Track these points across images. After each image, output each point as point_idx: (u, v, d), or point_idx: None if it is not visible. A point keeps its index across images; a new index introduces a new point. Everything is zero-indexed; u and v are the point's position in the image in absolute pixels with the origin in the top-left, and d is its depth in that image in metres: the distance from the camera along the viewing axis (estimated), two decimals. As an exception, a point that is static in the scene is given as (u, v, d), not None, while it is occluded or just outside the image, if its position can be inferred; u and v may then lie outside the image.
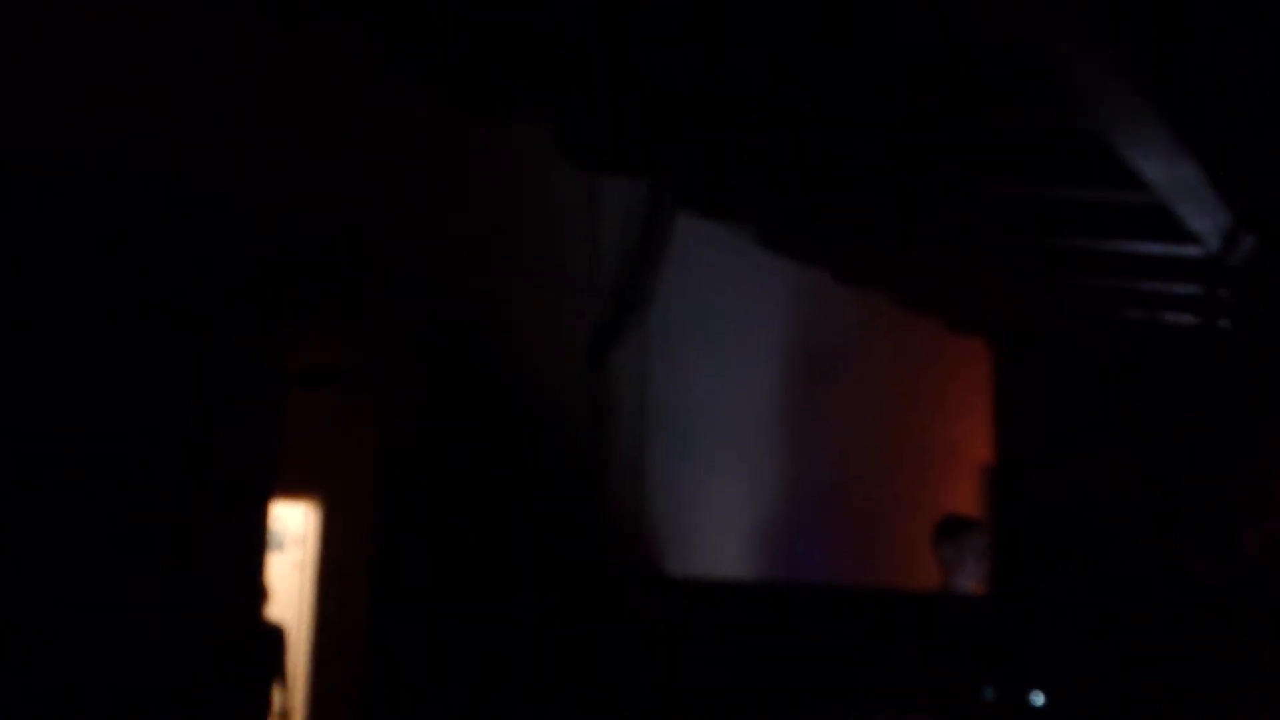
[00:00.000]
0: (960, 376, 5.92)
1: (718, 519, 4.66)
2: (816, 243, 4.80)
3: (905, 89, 3.04)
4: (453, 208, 3.57)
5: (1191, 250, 3.63)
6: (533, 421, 3.83)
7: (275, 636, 4.67)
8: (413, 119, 3.40)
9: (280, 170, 3.03)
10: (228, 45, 2.88)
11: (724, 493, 4.71)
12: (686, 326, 4.46)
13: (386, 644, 3.52)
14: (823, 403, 5.25)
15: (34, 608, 2.44)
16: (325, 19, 2.98)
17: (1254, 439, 3.18)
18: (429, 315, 3.53)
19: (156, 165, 2.73)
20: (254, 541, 2.96)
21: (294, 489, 4.55)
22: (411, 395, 3.61)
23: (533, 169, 3.85)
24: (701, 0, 2.72)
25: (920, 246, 4.38)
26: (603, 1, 2.80)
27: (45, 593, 2.46)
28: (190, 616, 2.73)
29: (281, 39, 2.96)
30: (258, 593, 3.00)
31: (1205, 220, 3.18)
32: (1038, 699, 3.14)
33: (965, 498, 5.71)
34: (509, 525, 3.69)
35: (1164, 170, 2.79)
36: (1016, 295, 4.76)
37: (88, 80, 2.59)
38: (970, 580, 4.44)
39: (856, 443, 5.44)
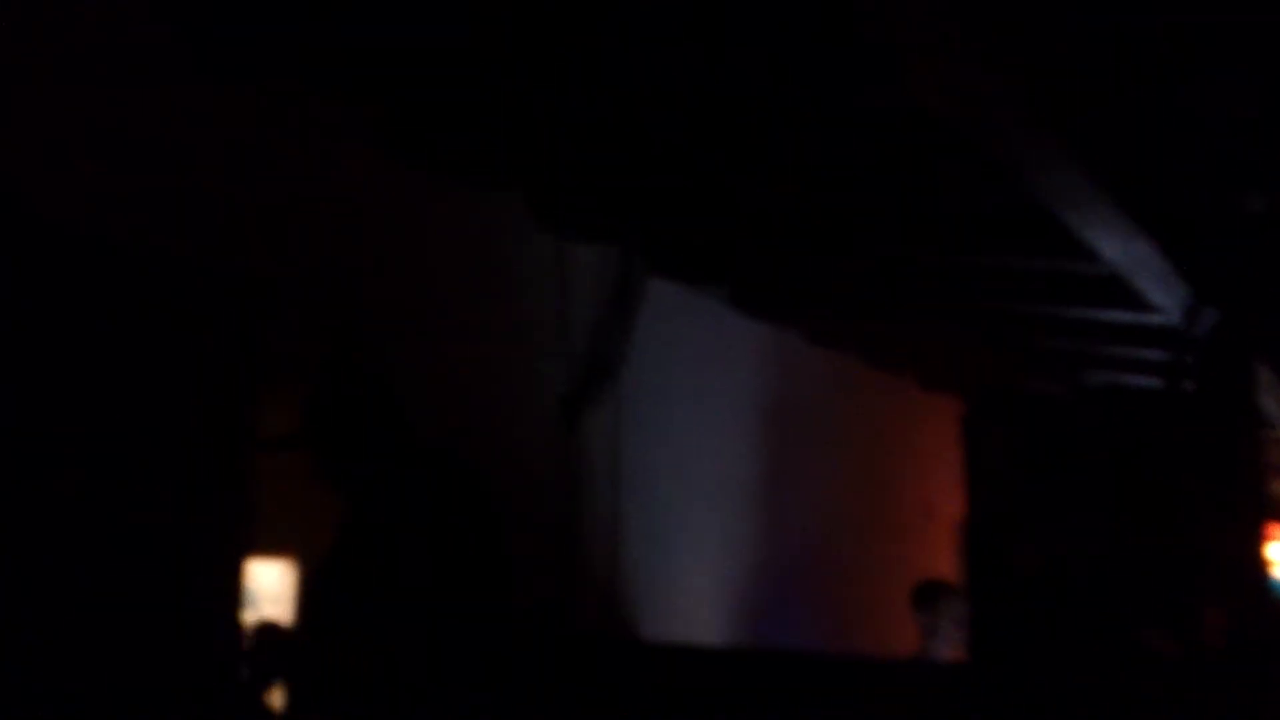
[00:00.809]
0: (936, 435, 5.93)
1: (691, 582, 4.67)
2: (787, 305, 4.85)
3: (872, 160, 3.10)
4: (423, 273, 3.61)
5: (1155, 318, 3.68)
6: (504, 484, 3.84)
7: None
8: (384, 185, 3.45)
9: (251, 236, 3.07)
10: (196, 111, 2.92)
11: (698, 555, 4.71)
12: (659, 389, 4.49)
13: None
14: (797, 463, 5.28)
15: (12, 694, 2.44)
16: (299, 85, 3.02)
17: (1221, 509, 3.21)
18: (398, 379, 3.56)
19: (125, 232, 2.77)
20: (230, 599, 2.99)
21: (269, 548, 4.55)
22: (379, 458, 3.63)
23: (503, 234, 3.90)
24: (671, 67, 2.76)
25: (889, 311, 4.44)
26: (572, 67, 2.84)
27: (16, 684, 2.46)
28: (168, 679, 2.74)
29: (253, 106, 3.01)
30: (235, 651, 3.01)
31: (1165, 294, 3.23)
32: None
33: (943, 559, 5.71)
34: (479, 588, 3.70)
35: (1120, 248, 2.85)
36: (985, 358, 4.82)
37: (68, 154, 2.63)
38: (948, 647, 4.44)
39: (832, 504, 5.46)
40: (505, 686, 3.62)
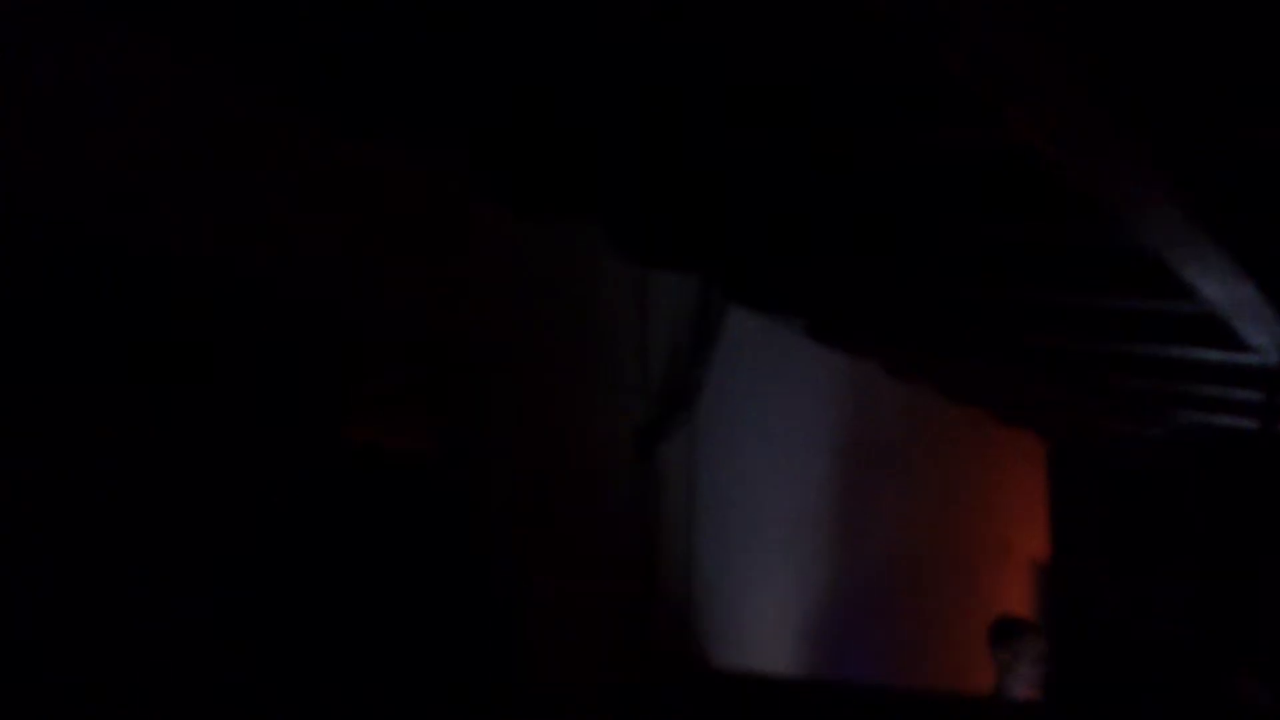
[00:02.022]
0: (1013, 471, 5.88)
1: (765, 613, 4.66)
2: (865, 337, 4.83)
3: (959, 194, 3.09)
4: (503, 302, 3.66)
5: (1251, 358, 3.63)
6: (579, 514, 3.87)
7: None
8: (466, 213, 3.50)
9: (345, 265, 3.14)
10: (298, 153, 2.99)
11: (771, 586, 4.70)
12: (735, 419, 4.49)
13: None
14: (873, 496, 5.25)
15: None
16: (385, 129, 3.08)
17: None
18: (477, 408, 3.60)
19: (239, 266, 2.84)
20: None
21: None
22: (458, 485, 3.67)
23: (582, 262, 3.93)
24: (752, 95, 2.77)
25: (971, 347, 4.40)
26: (654, 96, 2.86)
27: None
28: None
29: (347, 148, 3.08)
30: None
31: (1262, 334, 3.18)
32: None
33: (1017, 596, 5.65)
34: (554, 616, 3.72)
35: (1220, 289, 2.82)
36: (1069, 396, 4.76)
37: (183, 185, 2.71)
38: (1024, 686, 4.39)
39: (906, 538, 5.42)
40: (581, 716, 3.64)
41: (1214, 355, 3.79)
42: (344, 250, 3.11)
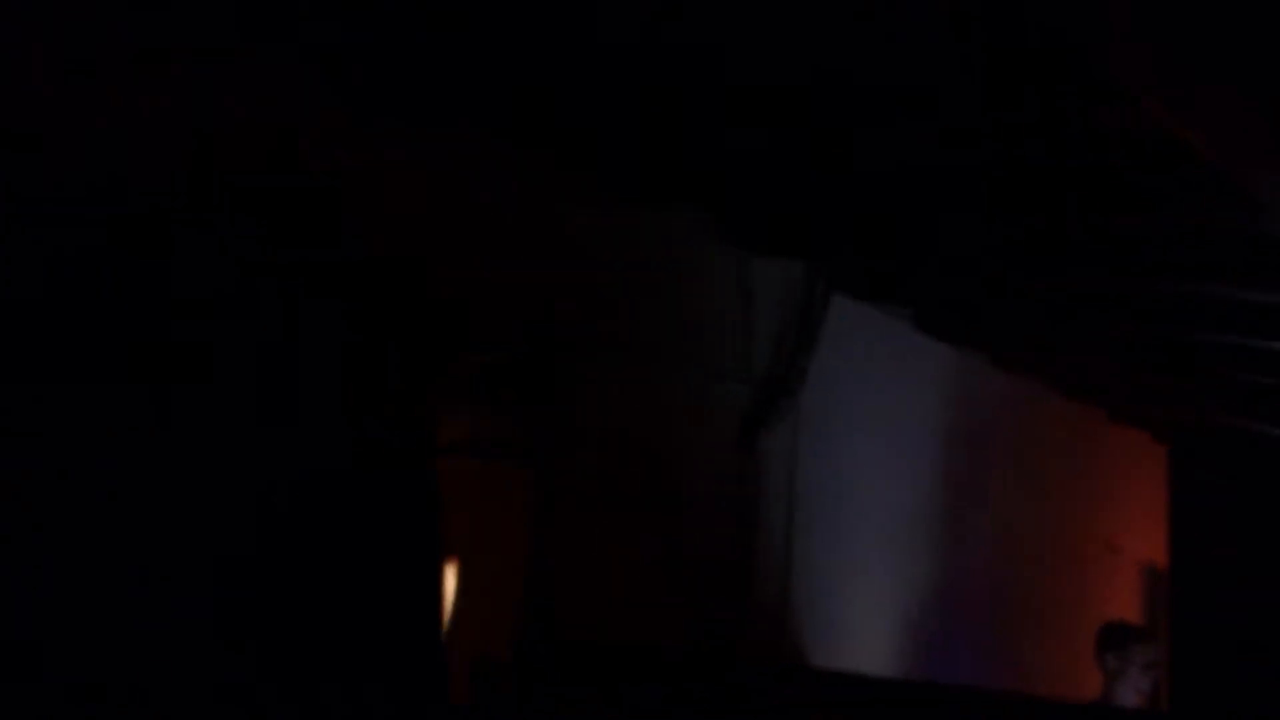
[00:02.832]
0: (1123, 470, 5.75)
1: (864, 609, 4.61)
2: (974, 328, 4.75)
3: (1074, 180, 3.02)
4: (610, 289, 3.66)
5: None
6: (680, 501, 3.87)
7: None
8: (570, 199, 3.51)
9: (440, 247, 3.16)
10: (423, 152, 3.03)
11: (872, 582, 4.65)
12: (839, 409, 4.45)
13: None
14: (979, 492, 5.16)
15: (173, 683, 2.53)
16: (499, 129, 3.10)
17: None
18: (572, 395, 3.61)
19: (346, 247, 2.88)
20: (430, 598, 3.05)
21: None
22: (560, 469, 3.69)
23: (687, 248, 3.92)
24: (858, 86, 2.75)
25: (1086, 340, 4.30)
26: (762, 88, 2.84)
27: (187, 669, 2.55)
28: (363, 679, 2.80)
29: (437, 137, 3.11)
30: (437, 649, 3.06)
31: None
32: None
33: (1125, 599, 5.52)
34: (652, 605, 3.73)
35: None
36: (1189, 391, 4.63)
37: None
38: (1134, 693, 4.29)
39: (1011, 536, 5.33)
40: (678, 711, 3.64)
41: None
42: (438, 236, 3.14)
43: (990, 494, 5.24)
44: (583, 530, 3.62)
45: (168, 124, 2.58)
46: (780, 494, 4.20)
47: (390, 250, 3.02)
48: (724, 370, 4.05)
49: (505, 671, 3.74)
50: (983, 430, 5.18)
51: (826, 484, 4.38)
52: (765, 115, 3.00)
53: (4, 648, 2.29)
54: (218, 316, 2.63)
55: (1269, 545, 3.66)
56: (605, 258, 3.65)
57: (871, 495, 4.64)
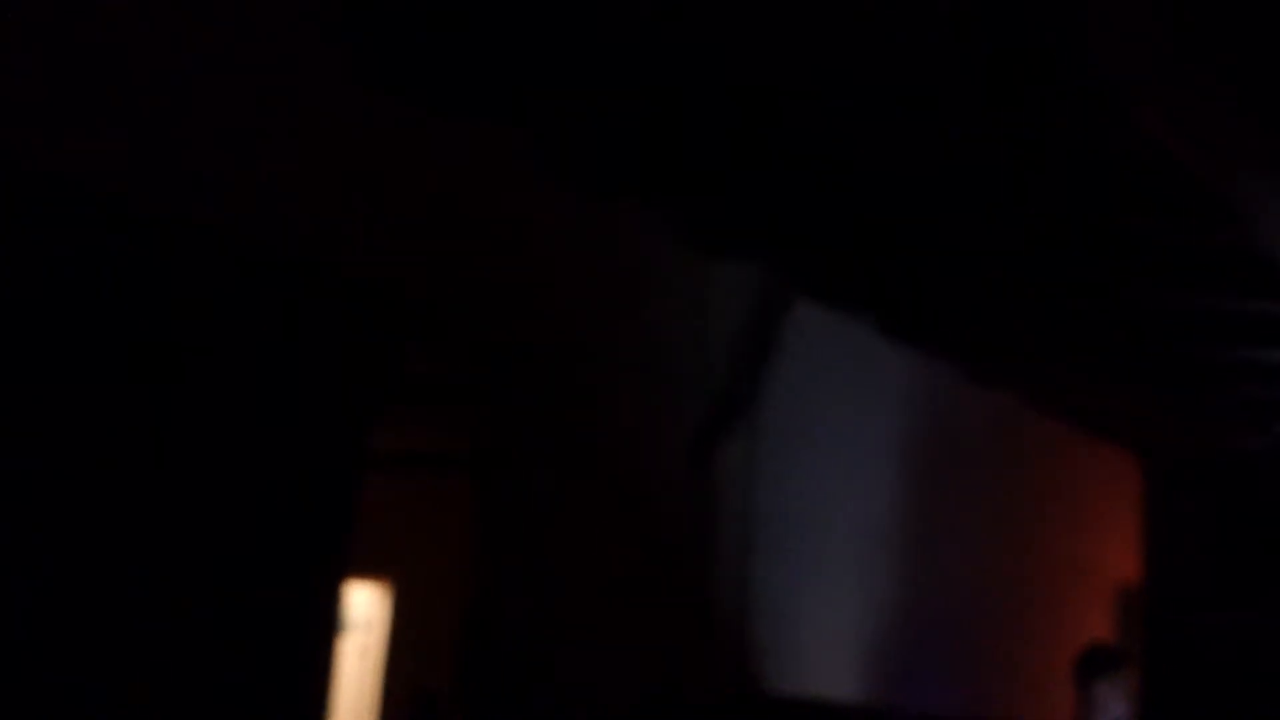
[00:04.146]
0: (1095, 489, 5.69)
1: (827, 634, 4.52)
2: (943, 337, 4.66)
3: (1057, 184, 2.95)
4: (556, 292, 3.55)
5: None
6: (630, 519, 3.76)
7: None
8: (518, 196, 3.40)
9: (386, 244, 3.04)
10: (351, 125, 2.91)
11: (834, 606, 4.56)
12: (798, 423, 4.34)
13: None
14: (944, 511, 5.08)
15: (91, 694, 2.45)
16: (450, 108, 3.01)
17: None
18: (527, 402, 3.51)
19: (252, 229, 2.76)
20: (325, 622, 2.96)
21: (365, 570, 4.55)
22: (505, 484, 3.58)
23: (644, 254, 3.81)
24: (828, 81, 2.70)
25: (1064, 352, 4.23)
26: (722, 86, 2.77)
27: (101, 680, 2.47)
28: (257, 697, 2.72)
29: (408, 122, 3.00)
30: (326, 675, 2.98)
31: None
32: None
33: (1096, 621, 5.46)
34: (600, 630, 3.62)
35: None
36: (1167, 406, 4.57)
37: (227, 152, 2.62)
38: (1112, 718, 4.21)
39: (980, 557, 5.25)
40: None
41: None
42: (375, 227, 3.01)
43: (958, 512, 5.16)
44: (527, 549, 3.48)
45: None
46: (736, 512, 4.09)
47: (323, 240, 2.89)
48: (679, 381, 3.94)
49: (444, 701, 3.61)
50: (950, 446, 5.10)
51: (785, 502, 4.27)
52: (750, 115, 2.94)
53: (4, 648, 2.28)
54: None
55: (1248, 565, 3.58)
56: (557, 259, 3.53)
57: (834, 515, 4.54)
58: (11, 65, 2.31)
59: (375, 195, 2.98)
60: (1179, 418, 4.62)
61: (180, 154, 2.58)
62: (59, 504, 2.41)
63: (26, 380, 2.36)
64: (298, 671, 2.85)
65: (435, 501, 4.11)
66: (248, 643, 2.71)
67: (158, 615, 2.55)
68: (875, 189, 3.33)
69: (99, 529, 2.46)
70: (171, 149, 2.56)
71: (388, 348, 3.05)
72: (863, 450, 4.68)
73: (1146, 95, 1.95)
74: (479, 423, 3.46)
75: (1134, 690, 4.18)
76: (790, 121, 2.96)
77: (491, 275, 3.33)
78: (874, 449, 4.75)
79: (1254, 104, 2.00)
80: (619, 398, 3.72)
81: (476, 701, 3.45)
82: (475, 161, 3.22)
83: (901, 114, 2.79)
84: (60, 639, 2.39)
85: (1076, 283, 3.59)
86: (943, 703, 4.88)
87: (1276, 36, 1.95)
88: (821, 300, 4.27)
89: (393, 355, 3.09)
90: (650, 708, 3.68)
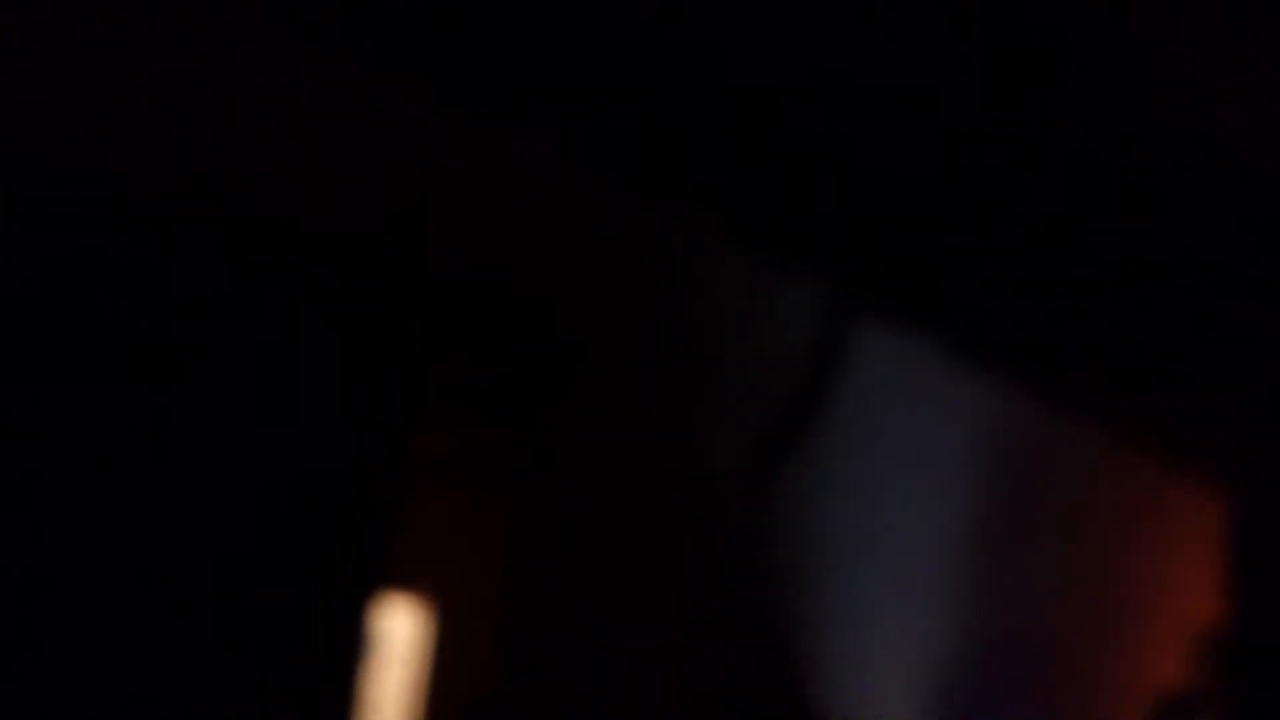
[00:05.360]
0: (1173, 528, 5.53)
1: (890, 661, 4.45)
2: (1016, 361, 4.57)
3: (1141, 197, 2.86)
4: (614, 298, 3.53)
5: None
6: (683, 539, 3.72)
7: None
8: (574, 204, 3.38)
9: (440, 238, 3.03)
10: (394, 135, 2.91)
11: (898, 632, 4.48)
12: (859, 447, 4.29)
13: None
14: (1013, 542, 4.97)
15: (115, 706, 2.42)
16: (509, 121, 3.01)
17: None
18: (579, 412, 3.47)
19: (295, 214, 2.75)
20: (355, 639, 2.91)
21: (404, 583, 4.51)
22: (553, 497, 3.54)
23: (703, 264, 3.79)
24: (893, 86, 2.65)
25: (1145, 375, 4.12)
26: (785, 91, 2.74)
27: (127, 695, 2.43)
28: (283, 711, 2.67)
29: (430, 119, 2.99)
30: (356, 693, 2.93)
31: None
32: None
33: (1176, 669, 5.30)
34: (649, 647, 3.57)
35: None
36: (1256, 433, 4.43)
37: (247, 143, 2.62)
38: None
39: (1051, 591, 5.12)
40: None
41: None
42: (423, 228, 3.01)
43: (1028, 543, 5.05)
44: (573, 564, 3.45)
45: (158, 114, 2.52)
46: (798, 532, 4.04)
47: (369, 237, 2.88)
48: (739, 395, 3.89)
49: (490, 709, 3.56)
50: (1023, 475, 5.01)
51: (851, 523, 4.21)
52: (765, 117, 2.90)
53: (4, 647, 2.27)
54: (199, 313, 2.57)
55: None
56: (611, 264, 3.51)
57: (895, 544, 4.48)
58: (11, 65, 2.33)
59: (407, 192, 2.98)
60: (1268, 446, 4.49)
61: (180, 154, 2.59)
62: (66, 505, 2.40)
63: (26, 380, 2.36)
64: (325, 685, 2.81)
65: (475, 512, 4.06)
66: (271, 655, 2.67)
67: (172, 624, 2.52)
68: (948, 202, 3.26)
69: (106, 537, 2.45)
70: (171, 149, 2.58)
71: (423, 349, 3.02)
72: (931, 476, 4.61)
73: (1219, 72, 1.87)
74: (522, 429, 3.43)
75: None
76: (854, 132, 2.90)
77: (546, 279, 3.31)
78: (945, 478, 4.68)
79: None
80: (673, 409, 3.68)
81: (526, 709, 3.39)
82: (506, 160, 3.21)
83: (923, 115, 2.74)
84: (58, 653, 2.38)
85: (1160, 301, 3.48)
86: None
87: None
88: (891, 319, 4.21)
89: (428, 357, 3.06)
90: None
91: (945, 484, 4.69)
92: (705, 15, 2.45)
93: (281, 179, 2.72)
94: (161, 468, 2.49)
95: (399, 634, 4.90)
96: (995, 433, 4.85)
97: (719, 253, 3.79)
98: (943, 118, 2.67)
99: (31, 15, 2.35)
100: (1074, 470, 5.24)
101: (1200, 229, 3.00)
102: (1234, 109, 2.14)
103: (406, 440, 2.93)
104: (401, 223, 2.91)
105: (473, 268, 3.11)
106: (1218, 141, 2.43)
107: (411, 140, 2.93)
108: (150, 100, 2.50)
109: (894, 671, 4.43)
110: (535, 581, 3.46)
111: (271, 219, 2.69)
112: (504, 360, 3.22)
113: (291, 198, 2.74)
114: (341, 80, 2.78)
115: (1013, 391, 4.76)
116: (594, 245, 3.48)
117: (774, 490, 3.93)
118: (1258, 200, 2.61)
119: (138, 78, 2.48)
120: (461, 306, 3.06)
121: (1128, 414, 4.85)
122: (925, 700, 4.55)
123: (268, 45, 2.61)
